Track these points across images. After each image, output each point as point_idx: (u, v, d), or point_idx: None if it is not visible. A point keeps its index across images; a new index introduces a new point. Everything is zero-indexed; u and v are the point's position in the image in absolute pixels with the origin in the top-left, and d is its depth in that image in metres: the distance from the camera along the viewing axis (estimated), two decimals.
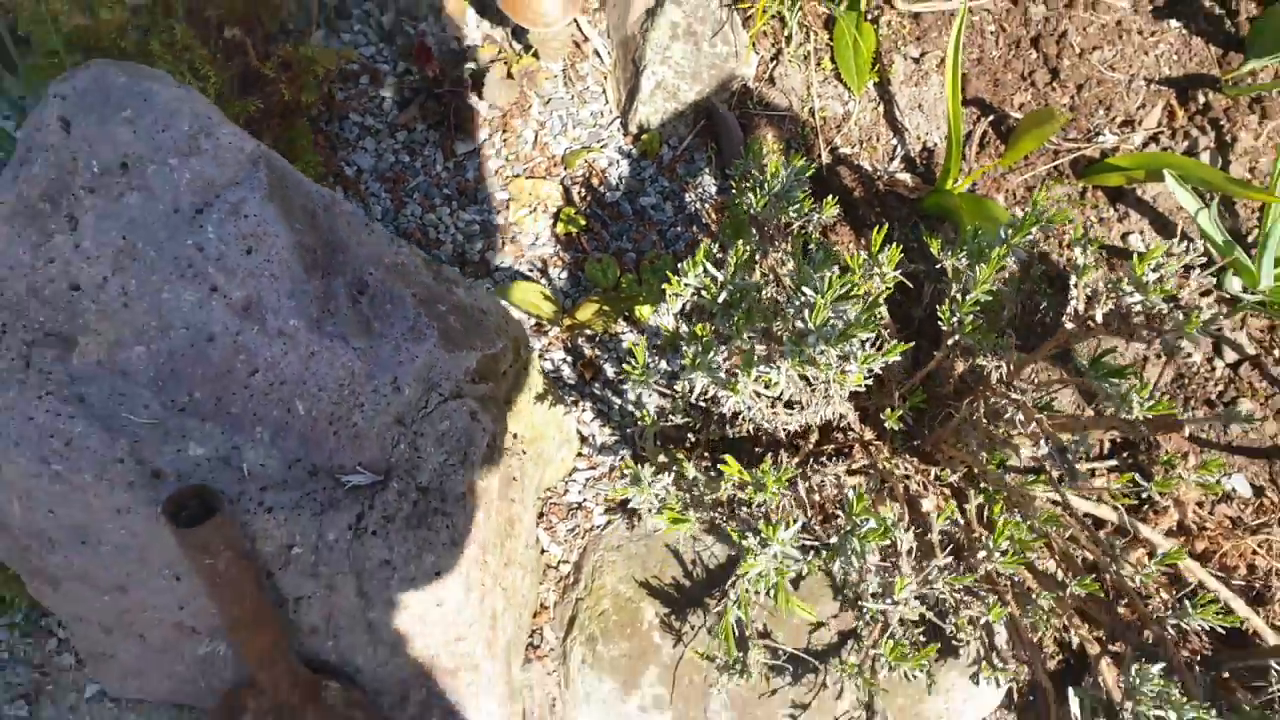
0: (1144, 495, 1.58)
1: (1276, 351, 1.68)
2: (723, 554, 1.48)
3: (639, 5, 1.68)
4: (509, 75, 1.67)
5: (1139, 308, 1.16)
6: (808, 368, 1.14)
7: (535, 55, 1.70)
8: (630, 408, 1.56)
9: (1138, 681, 1.16)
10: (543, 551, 1.53)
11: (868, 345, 1.15)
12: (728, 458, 1.21)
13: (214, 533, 1.05)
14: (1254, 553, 1.58)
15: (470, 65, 1.70)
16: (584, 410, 1.56)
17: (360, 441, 1.14)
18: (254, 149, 1.14)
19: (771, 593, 1.21)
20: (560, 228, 1.62)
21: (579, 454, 1.54)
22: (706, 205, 1.64)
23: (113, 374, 1.10)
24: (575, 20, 1.73)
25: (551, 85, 1.71)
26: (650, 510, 1.35)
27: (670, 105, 1.66)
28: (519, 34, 1.72)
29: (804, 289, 1.14)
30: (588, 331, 1.58)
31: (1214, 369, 1.66)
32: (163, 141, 1.11)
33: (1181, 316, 1.09)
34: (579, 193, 1.65)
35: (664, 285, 1.21)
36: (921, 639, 1.33)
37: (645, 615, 1.44)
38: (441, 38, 1.72)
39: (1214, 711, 1.12)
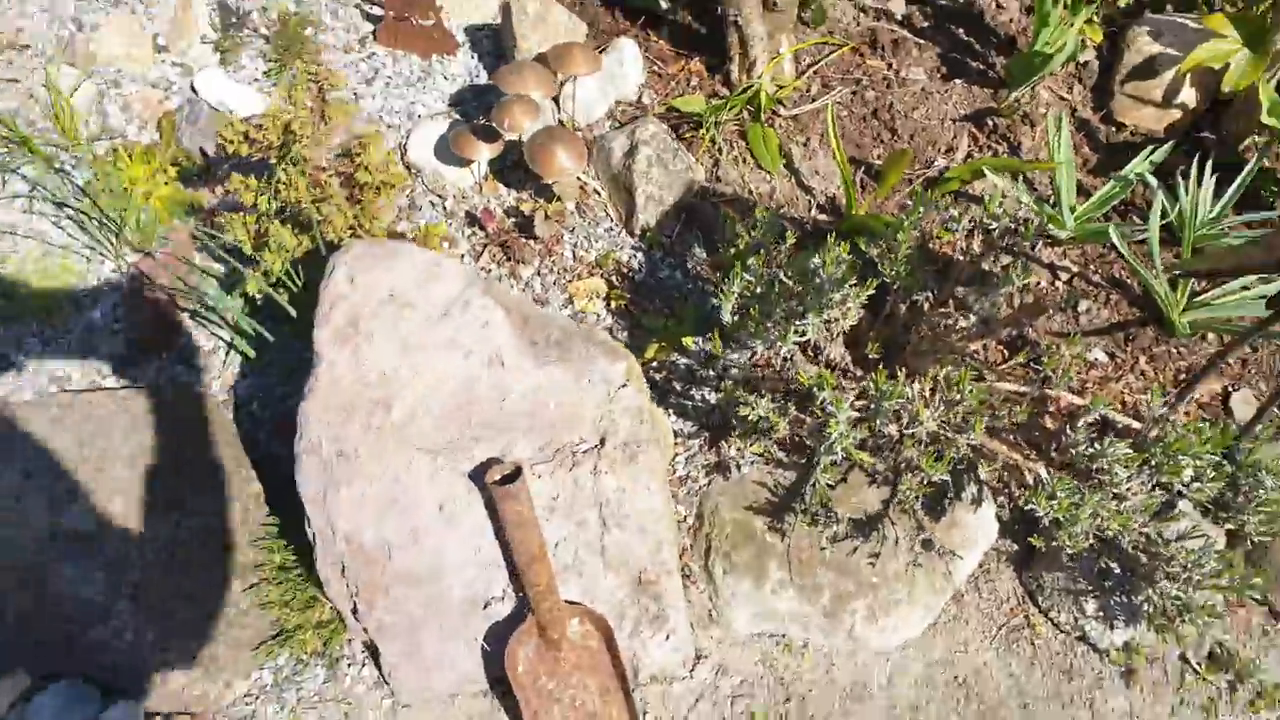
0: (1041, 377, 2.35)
1: (1091, 266, 2.51)
2: (789, 480, 2.16)
3: (617, 151, 2.45)
4: (546, 217, 2.41)
5: (996, 230, 1.96)
6: (825, 313, 1.88)
7: (559, 199, 2.45)
8: (699, 405, 2.25)
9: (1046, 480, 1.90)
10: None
11: (853, 294, 1.90)
12: (798, 372, 1.92)
13: (521, 484, 1.69)
14: (1122, 393, 2.36)
15: (512, 220, 2.43)
16: (670, 412, 2.25)
17: (578, 423, 1.81)
18: (469, 269, 1.84)
19: (844, 454, 1.90)
20: (613, 304, 2.34)
21: (675, 443, 2.23)
22: (702, 266, 2.39)
23: (420, 418, 1.75)
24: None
25: (572, 219, 2.46)
26: (739, 462, 2.04)
27: (659, 209, 2.42)
28: (542, 190, 2.47)
29: (811, 272, 1.89)
30: (654, 364, 2.28)
31: (1056, 286, 2.47)
32: (412, 278, 1.80)
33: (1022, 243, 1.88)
34: (616, 279, 2.38)
35: (720, 288, 1.95)
36: (936, 479, 2.03)
37: (756, 526, 2.10)
38: (490, 205, 2.46)
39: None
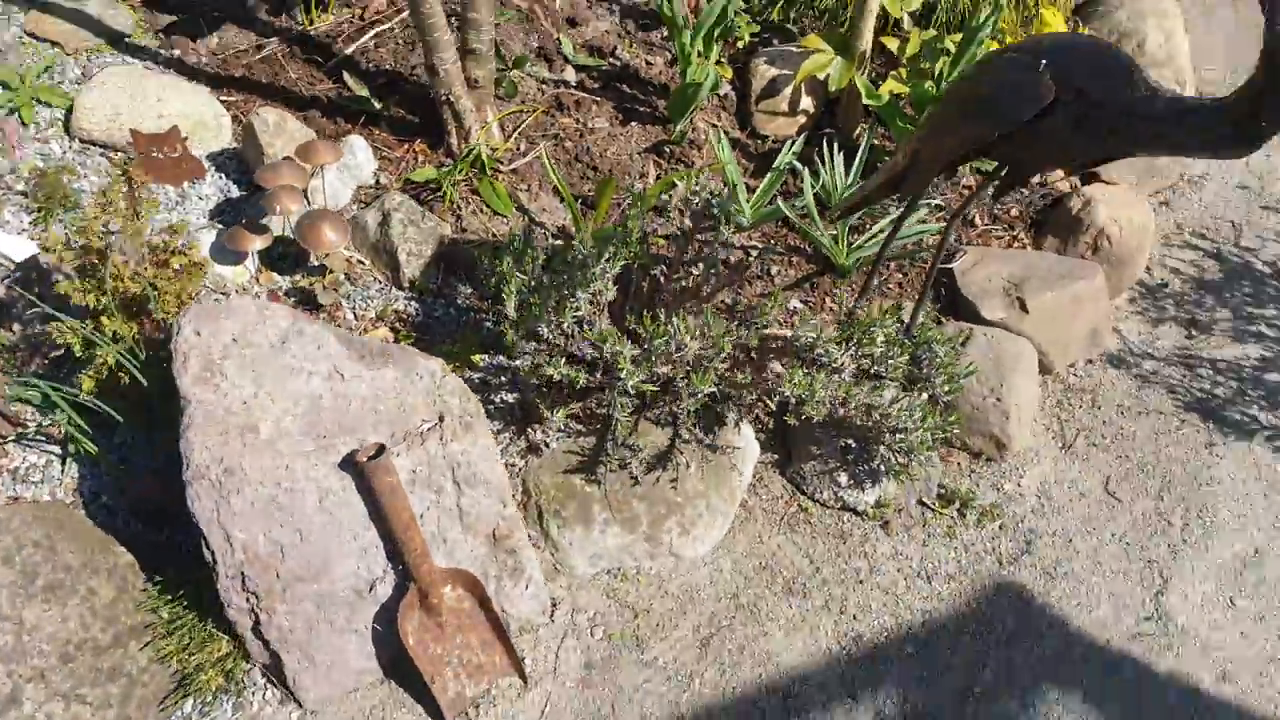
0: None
1: (773, 240, 3.14)
2: (592, 442, 2.58)
3: (372, 223, 2.84)
4: (324, 288, 2.75)
5: (698, 204, 2.51)
6: (591, 286, 2.34)
7: (331, 272, 2.79)
8: (501, 405, 2.64)
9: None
10: None
11: (607, 268, 2.38)
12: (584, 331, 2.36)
13: (388, 459, 2.01)
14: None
15: (293, 298, 2.75)
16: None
17: (417, 409, 2.15)
18: (291, 309, 2.15)
19: (634, 390, 2.34)
20: (403, 344, 2.69)
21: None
22: (470, 299, 2.80)
23: (286, 433, 2.04)
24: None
25: (345, 286, 2.81)
26: (547, 441, 2.45)
27: (420, 262, 2.82)
28: (314, 269, 2.80)
29: (572, 257, 2.36)
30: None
31: (749, 258, 3.07)
32: (247, 322, 2.10)
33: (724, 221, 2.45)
34: (399, 325, 2.74)
35: (495, 307, 2.37)
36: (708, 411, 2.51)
37: (575, 483, 2.50)
38: (272, 290, 2.76)
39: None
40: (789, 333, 2.60)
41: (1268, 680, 2.38)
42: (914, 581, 2.54)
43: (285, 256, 2.83)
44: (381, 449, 2.03)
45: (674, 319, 2.31)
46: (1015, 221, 3.20)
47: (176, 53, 3.22)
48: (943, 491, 2.70)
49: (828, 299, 3.02)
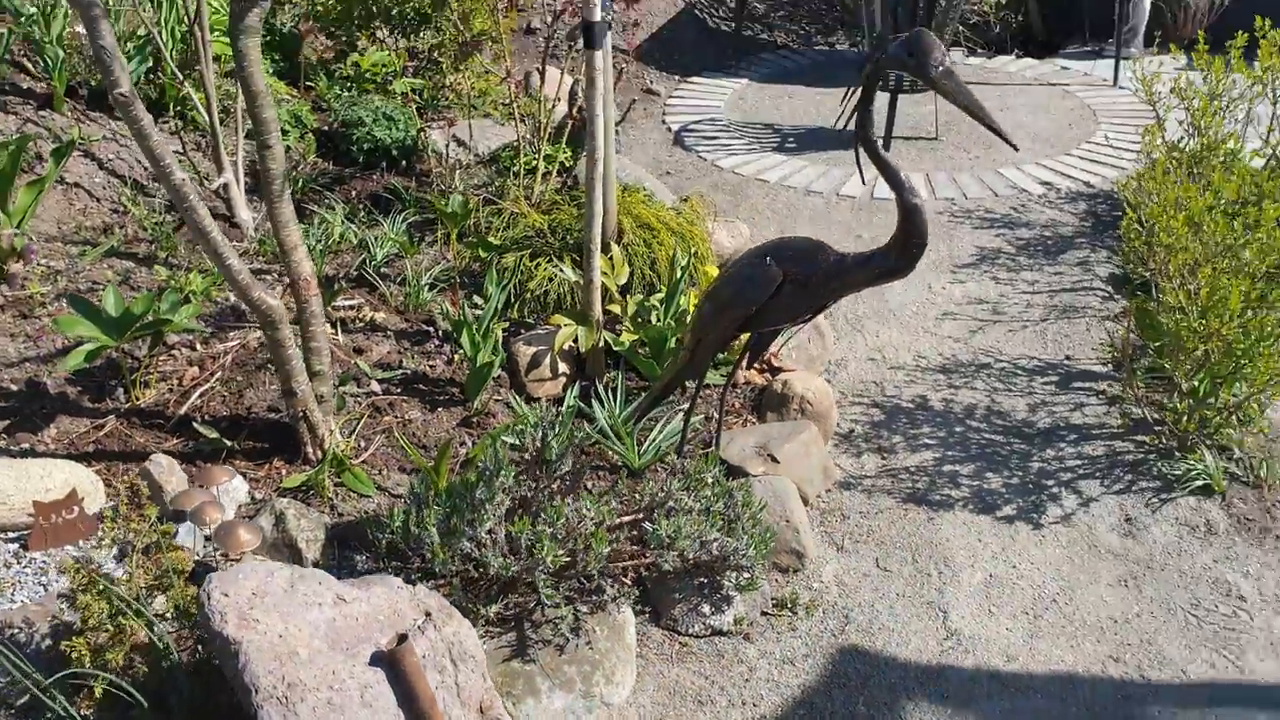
0: None
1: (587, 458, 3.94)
2: (511, 638, 3.14)
3: (266, 526, 3.33)
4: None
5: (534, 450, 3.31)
6: (495, 504, 3.02)
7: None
8: None
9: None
10: None
11: (507, 485, 3.07)
12: None
13: (411, 643, 2.51)
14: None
15: None
16: None
17: (408, 608, 2.68)
18: (290, 565, 2.64)
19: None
20: None
21: None
22: (368, 563, 3.32)
23: (318, 652, 2.49)
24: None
25: None
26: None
27: (318, 545, 3.33)
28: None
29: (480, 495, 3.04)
30: None
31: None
32: (260, 577, 2.58)
33: None
34: None
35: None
36: None
37: (515, 666, 3.04)
38: None
39: None
40: (639, 514, 3.40)
41: (1037, 653, 3.33)
42: (784, 668, 3.30)
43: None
44: (404, 637, 2.55)
45: (565, 504, 3.04)
46: (741, 410, 4.26)
47: (25, 445, 3.59)
48: (775, 600, 3.52)
49: (635, 494, 3.85)
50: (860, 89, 2.79)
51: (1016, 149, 2.85)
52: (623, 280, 4.34)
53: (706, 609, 3.39)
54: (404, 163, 5.96)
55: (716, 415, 3.72)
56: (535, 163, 5.27)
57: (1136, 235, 3.92)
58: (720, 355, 4.10)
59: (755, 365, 4.39)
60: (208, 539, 3.26)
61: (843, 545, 3.77)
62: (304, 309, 3.47)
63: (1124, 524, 3.84)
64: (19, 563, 3.17)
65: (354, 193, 5.67)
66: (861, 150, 2.85)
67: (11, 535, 3.23)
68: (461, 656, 2.71)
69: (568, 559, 3.08)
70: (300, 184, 5.56)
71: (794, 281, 2.97)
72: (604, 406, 4.00)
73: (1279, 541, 3.75)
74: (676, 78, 8.16)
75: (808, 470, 3.93)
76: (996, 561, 3.69)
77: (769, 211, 6.07)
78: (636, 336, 4.13)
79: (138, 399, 3.84)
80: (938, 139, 7.00)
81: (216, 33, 5.61)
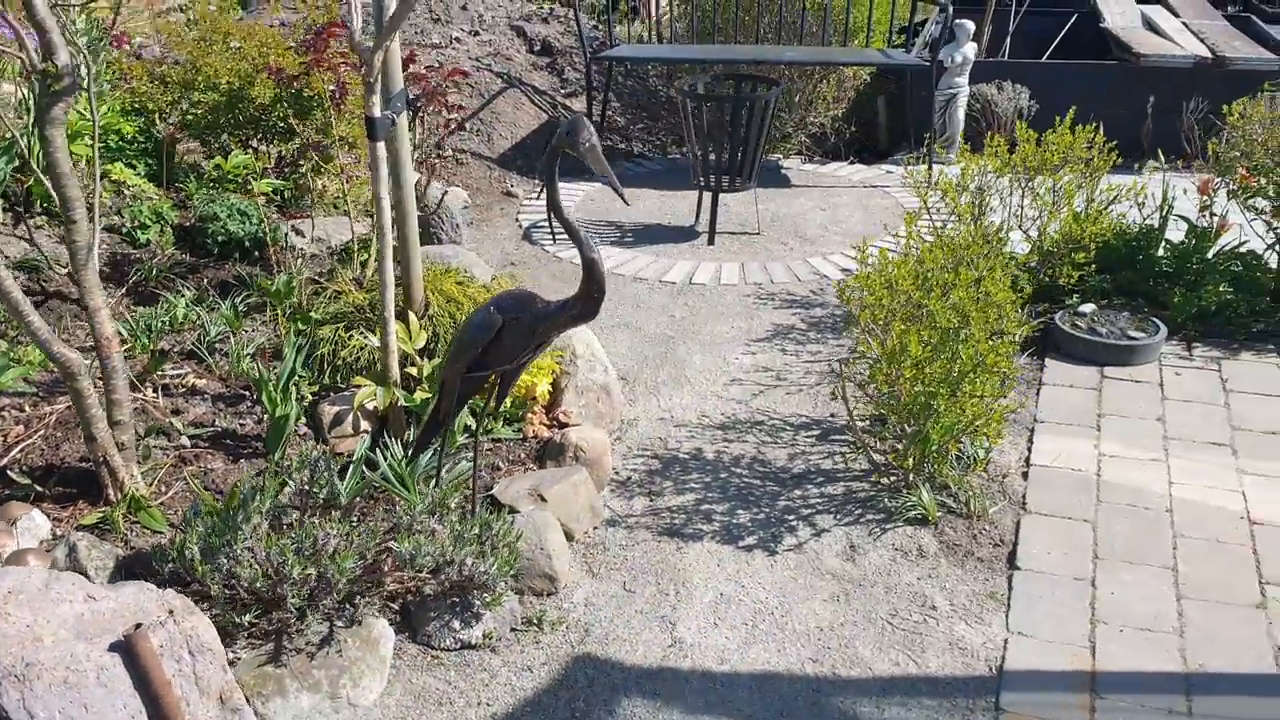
0: None
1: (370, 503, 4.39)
2: (269, 648, 3.53)
3: (60, 556, 3.73)
4: None
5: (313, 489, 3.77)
6: (253, 526, 3.46)
7: None
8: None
9: None
10: None
11: (263, 509, 3.52)
12: None
13: (145, 629, 2.91)
14: None
15: None
16: None
17: (149, 614, 3.09)
18: (50, 570, 3.05)
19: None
20: None
21: None
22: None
23: (63, 641, 2.89)
24: None
25: None
26: (238, 656, 3.43)
27: (106, 573, 3.73)
28: None
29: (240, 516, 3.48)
30: None
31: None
32: (22, 577, 2.99)
33: None
34: None
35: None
36: None
37: (268, 670, 3.44)
38: None
39: None
40: (393, 544, 3.84)
41: (750, 655, 3.80)
42: (522, 674, 3.73)
43: None
44: (139, 626, 2.96)
45: (314, 525, 3.49)
46: (526, 460, 4.75)
47: None
48: (525, 618, 3.96)
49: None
50: (548, 166, 3.40)
51: (628, 204, 3.53)
52: (420, 345, 4.85)
53: (457, 625, 3.82)
54: (255, 253, 6.48)
55: (472, 456, 4.20)
56: (365, 252, 5.82)
57: (850, 299, 4.52)
58: (481, 402, 4.61)
59: (546, 416, 4.91)
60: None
61: (597, 572, 4.23)
62: (105, 363, 3.93)
63: (847, 550, 4.36)
64: None
65: (205, 280, 6.16)
66: (552, 215, 3.43)
67: None
68: (199, 649, 3.12)
69: (316, 574, 3.51)
70: (154, 272, 6.05)
71: (511, 325, 3.51)
72: (389, 455, 4.47)
73: (979, 563, 4.28)
74: (536, 182, 8.83)
75: (575, 509, 4.41)
76: (729, 583, 4.17)
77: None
78: (429, 395, 4.62)
79: None
80: (759, 233, 7.69)
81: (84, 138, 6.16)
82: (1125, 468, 4.83)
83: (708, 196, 7.53)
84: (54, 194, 3.77)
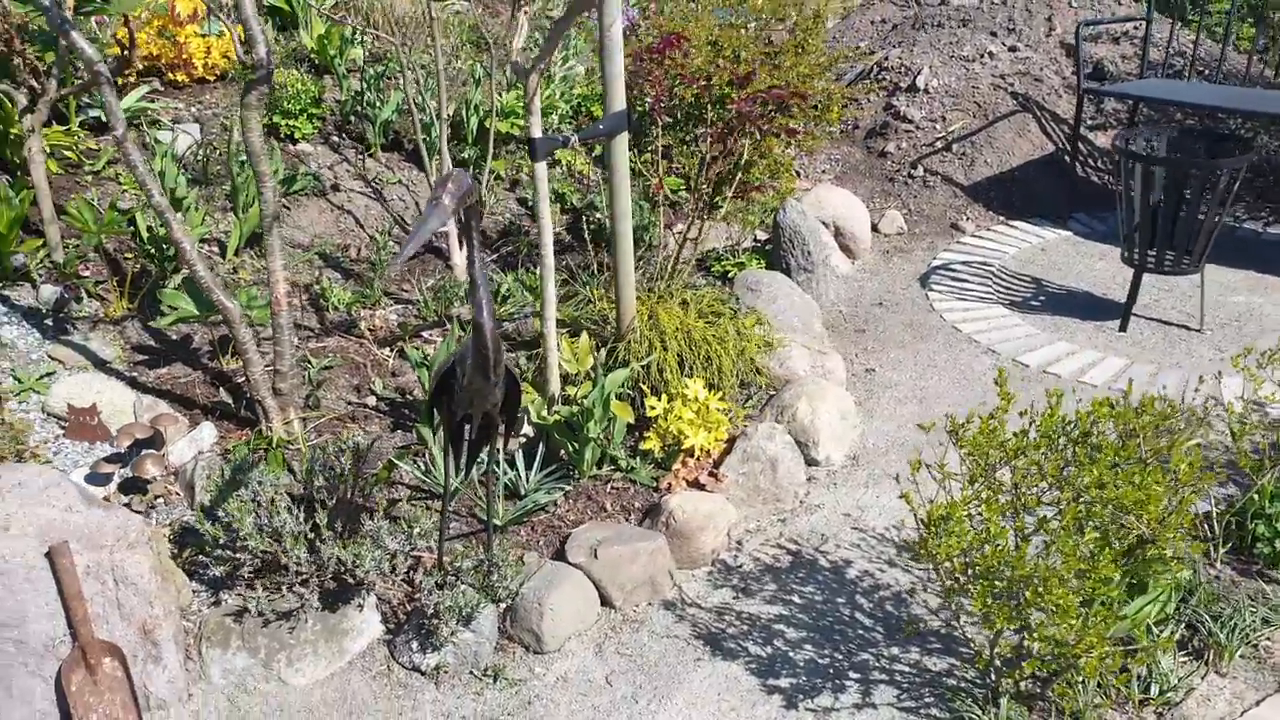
0: None
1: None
2: (242, 599, 3.88)
3: (188, 470, 4.43)
4: (140, 500, 4.30)
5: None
6: (270, 498, 3.81)
7: (148, 492, 4.36)
8: (210, 576, 4.01)
9: None
10: None
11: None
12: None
13: (65, 547, 3.42)
14: None
15: (124, 500, 4.31)
16: (191, 580, 4.00)
17: (105, 535, 3.60)
18: (56, 472, 3.72)
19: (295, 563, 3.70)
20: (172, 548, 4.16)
21: (193, 595, 3.94)
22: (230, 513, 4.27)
23: (24, 534, 3.52)
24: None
25: (158, 503, 4.35)
26: (227, 598, 3.82)
27: (209, 495, 4.36)
28: (139, 487, 4.37)
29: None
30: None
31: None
32: (31, 475, 3.68)
33: None
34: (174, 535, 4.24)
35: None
36: None
37: (228, 622, 3.79)
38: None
39: None
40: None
41: None
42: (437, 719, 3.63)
43: (138, 489, 4.45)
44: (66, 543, 3.48)
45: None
46: (636, 510, 4.47)
47: (136, 375, 5.10)
48: (490, 665, 3.82)
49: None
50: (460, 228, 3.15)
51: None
52: (586, 368, 4.77)
53: (415, 646, 3.82)
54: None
55: (441, 508, 4.07)
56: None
57: None
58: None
59: (700, 472, 4.56)
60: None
61: (602, 651, 3.90)
62: (275, 319, 4.52)
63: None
64: (55, 440, 4.63)
65: (569, 262, 6.59)
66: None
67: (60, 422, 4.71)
68: (124, 580, 3.56)
69: (308, 552, 3.76)
70: (525, 250, 6.65)
71: (462, 370, 3.36)
72: (514, 469, 4.52)
73: None
74: (1001, 218, 7.86)
75: (625, 577, 4.08)
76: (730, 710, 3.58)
77: (915, 355, 5.87)
78: (559, 416, 4.56)
79: (225, 364, 5.19)
80: (1201, 330, 6.04)
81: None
82: None
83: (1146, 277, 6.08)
84: (251, 168, 4.39)
